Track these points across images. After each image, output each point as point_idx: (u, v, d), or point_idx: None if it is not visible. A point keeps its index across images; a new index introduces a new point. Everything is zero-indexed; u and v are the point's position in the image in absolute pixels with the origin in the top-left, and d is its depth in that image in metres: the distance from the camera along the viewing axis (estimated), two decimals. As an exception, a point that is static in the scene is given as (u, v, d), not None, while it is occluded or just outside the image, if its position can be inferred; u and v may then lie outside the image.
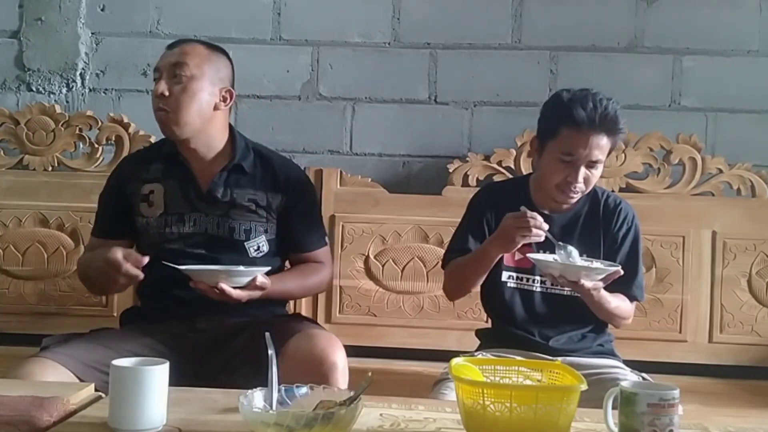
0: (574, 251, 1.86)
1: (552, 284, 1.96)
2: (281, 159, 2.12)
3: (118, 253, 1.75)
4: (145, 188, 2.00)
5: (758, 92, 2.70)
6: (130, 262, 1.74)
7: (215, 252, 1.95)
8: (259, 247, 1.99)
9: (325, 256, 2.10)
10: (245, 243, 1.97)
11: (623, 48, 2.73)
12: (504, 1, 2.75)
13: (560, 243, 1.87)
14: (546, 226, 1.82)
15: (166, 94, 1.90)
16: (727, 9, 2.70)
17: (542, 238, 1.83)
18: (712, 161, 2.62)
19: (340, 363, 1.75)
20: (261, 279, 1.79)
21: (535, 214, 1.83)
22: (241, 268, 1.81)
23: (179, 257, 1.86)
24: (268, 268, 1.83)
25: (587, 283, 1.81)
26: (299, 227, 2.03)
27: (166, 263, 1.77)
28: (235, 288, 1.77)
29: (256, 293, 1.79)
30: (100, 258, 1.81)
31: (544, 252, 1.90)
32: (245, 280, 1.78)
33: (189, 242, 1.95)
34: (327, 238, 2.13)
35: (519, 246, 1.86)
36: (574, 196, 1.93)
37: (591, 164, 1.89)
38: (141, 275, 1.76)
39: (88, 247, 2.09)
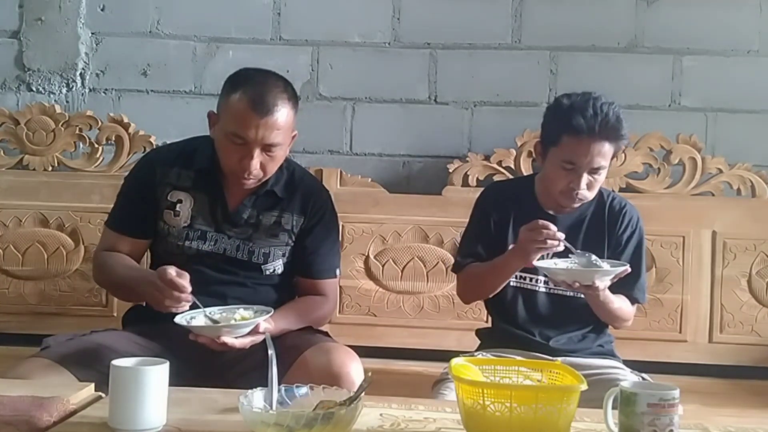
0: (593, 256, 1.84)
1: (556, 286, 1.96)
2: (312, 181, 2.09)
3: (172, 271, 1.71)
4: (173, 195, 1.95)
5: (758, 92, 2.70)
6: (181, 277, 1.71)
7: (229, 273, 1.94)
8: (275, 269, 1.98)
9: (331, 289, 2.05)
10: (262, 265, 1.96)
11: (623, 48, 2.73)
12: (504, 1, 2.75)
13: (579, 251, 1.86)
14: (562, 236, 1.79)
15: (258, 169, 1.85)
16: (727, 9, 2.70)
17: (561, 248, 1.81)
18: (712, 161, 2.62)
19: (357, 378, 1.73)
20: (264, 325, 1.75)
21: (548, 224, 1.79)
22: (243, 311, 1.78)
23: (191, 272, 1.81)
24: (271, 312, 1.78)
25: (600, 284, 1.81)
26: (312, 251, 2.00)
27: (176, 322, 1.73)
28: (237, 337, 1.74)
29: (259, 338, 1.75)
30: (140, 276, 1.83)
31: (560, 257, 1.89)
32: (248, 330, 1.74)
33: (205, 261, 1.93)
34: (339, 271, 2.07)
35: (537, 258, 1.84)
36: (579, 201, 1.93)
37: (593, 171, 1.88)
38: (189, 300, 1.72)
39: (105, 243, 2.01)
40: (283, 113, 1.83)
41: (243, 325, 1.73)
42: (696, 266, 2.56)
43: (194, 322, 1.74)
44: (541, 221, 1.80)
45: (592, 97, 1.87)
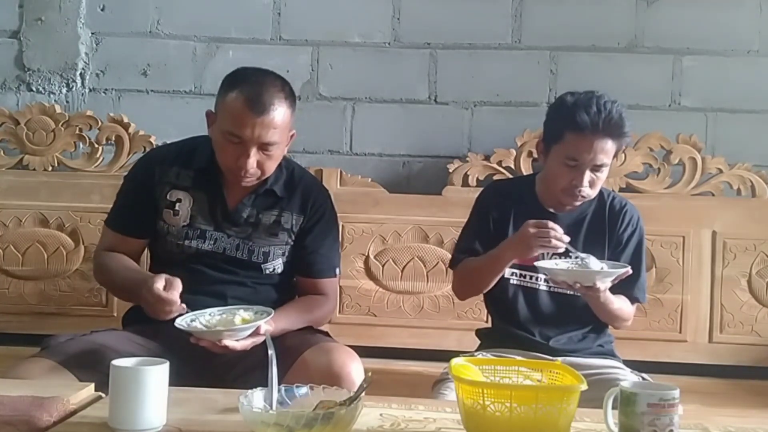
0: (592, 258, 1.84)
1: (556, 285, 1.96)
2: (312, 180, 2.09)
3: (160, 285, 1.71)
4: (172, 194, 1.95)
5: (758, 92, 2.70)
6: (169, 290, 1.71)
7: (228, 272, 1.94)
8: (274, 268, 1.98)
9: (331, 289, 2.05)
10: (262, 264, 1.96)
11: (623, 48, 2.73)
12: (504, 1, 2.75)
13: (581, 254, 1.86)
14: (567, 239, 1.81)
15: (255, 168, 1.84)
16: (727, 9, 2.70)
17: (561, 249, 1.82)
18: (712, 161, 2.62)
19: (357, 378, 1.73)
20: (265, 327, 1.74)
21: (556, 225, 1.81)
22: (243, 312, 1.78)
23: (191, 272, 1.84)
24: (272, 314, 1.77)
25: (601, 286, 1.81)
26: (312, 251, 2.00)
27: (178, 325, 1.73)
28: (238, 340, 1.74)
29: (260, 339, 1.75)
30: (137, 282, 1.82)
31: (551, 257, 1.89)
32: (248, 332, 1.74)
33: (205, 260, 1.93)
34: (339, 270, 2.07)
35: (536, 254, 1.85)
36: (581, 199, 1.93)
37: (596, 168, 1.89)
38: (183, 308, 1.73)
39: (105, 243, 2.02)
40: (279, 112, 1.83)
41: (244, 328, 1.73)
42: (696, 266, 2.56)
43: (195, 325, 1.74)
44: (551, 223, 1.81)
45: (596, 95, 1.88)
